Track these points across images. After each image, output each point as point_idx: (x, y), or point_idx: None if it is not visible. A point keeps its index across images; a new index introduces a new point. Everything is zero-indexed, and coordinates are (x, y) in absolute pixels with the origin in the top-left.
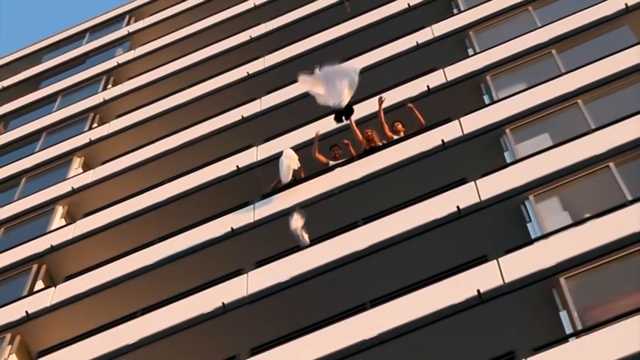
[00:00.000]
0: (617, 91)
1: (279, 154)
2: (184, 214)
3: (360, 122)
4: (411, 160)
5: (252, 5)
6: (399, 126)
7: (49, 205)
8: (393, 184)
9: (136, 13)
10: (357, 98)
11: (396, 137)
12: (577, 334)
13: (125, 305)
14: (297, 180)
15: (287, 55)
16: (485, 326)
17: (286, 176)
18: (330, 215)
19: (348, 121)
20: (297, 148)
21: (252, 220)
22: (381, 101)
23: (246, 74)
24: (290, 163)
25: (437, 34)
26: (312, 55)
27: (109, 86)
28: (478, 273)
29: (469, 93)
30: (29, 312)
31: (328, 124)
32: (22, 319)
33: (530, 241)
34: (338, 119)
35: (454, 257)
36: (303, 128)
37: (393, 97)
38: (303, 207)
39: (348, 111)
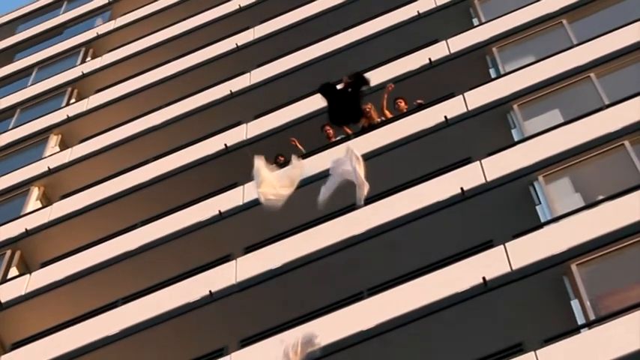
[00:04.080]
0: (632, 64)
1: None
2: (169, 195)
3: None
4: (411, 137)
5: None
6: (402, 104)
7: (23, 187)
8: (392, 163)
9: None
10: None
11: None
12: (589, 324)
13: (105, 294)
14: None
15: (279, 26)
16: (491, 316)
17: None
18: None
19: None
20: (289, 126)
21: (241, 203)
22: (389, 89)
23: (235, 46)
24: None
25: (439, 2)
26: (305, 25)
27: (88, 59)
28: (484, 259)
29: (474, 66)
30: (2, 301)
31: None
32: None
33: (540, 225)
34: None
35: (458, 242)
36: (295, 104)
37: (393, 70)
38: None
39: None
